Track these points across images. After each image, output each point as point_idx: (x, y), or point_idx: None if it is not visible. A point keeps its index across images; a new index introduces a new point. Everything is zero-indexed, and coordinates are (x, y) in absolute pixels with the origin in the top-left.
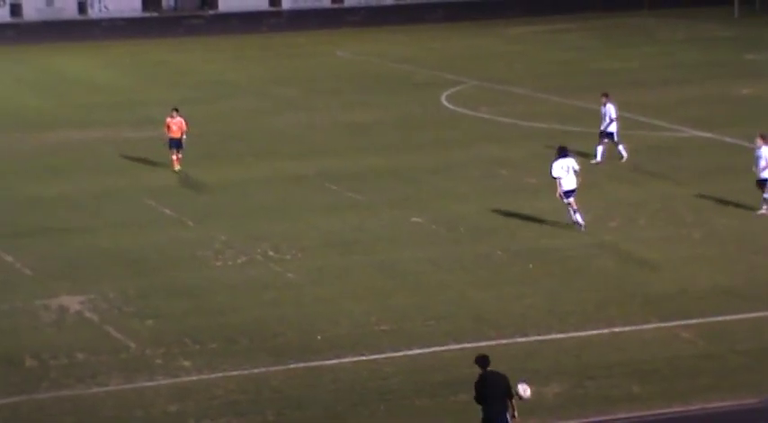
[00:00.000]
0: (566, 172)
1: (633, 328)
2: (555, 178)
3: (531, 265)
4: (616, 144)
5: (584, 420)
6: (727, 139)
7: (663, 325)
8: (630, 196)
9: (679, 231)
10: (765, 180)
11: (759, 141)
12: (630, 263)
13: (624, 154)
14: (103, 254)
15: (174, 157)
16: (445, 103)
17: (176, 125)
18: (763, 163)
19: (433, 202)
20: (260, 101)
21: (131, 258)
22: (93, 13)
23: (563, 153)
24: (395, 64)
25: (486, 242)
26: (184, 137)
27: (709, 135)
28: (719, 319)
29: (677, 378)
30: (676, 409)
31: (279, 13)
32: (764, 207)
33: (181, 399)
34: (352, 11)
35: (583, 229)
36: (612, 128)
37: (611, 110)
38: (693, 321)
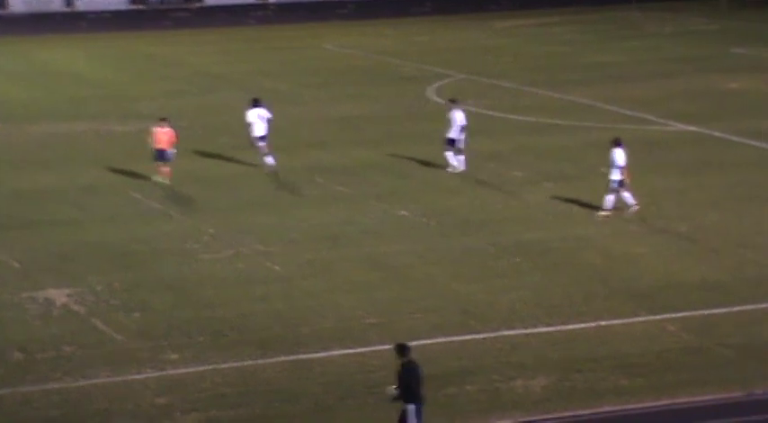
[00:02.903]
0: (258, 119)
1: (620, 321)
2: (248, 123)
3: (518, 259)
4: (457, 152)
5: (571, 413)
6: (715, 133)
7: (650, 318)
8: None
9: (666, 225)
10: (615, 181)
11: (612, 145)
12: (617, 256)
13: (461, 167)
14: (90, 247)
15: (160, 168)
16: (433, 96)
17: (166, 135)
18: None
19: (420, 196)
20: (247, 94)
21: (118, 251)
22: (80, 5)
23: (256, 103)
24: (382, 57)
25: (474, 235)
26: (172, 150)
27: (695, 129)
28: (706, 312)
29: (664, 371)
30: (663, 402)
31: (266, 6)
32: (606, 209)
33: (168, 392)
34: (339, 4)
35: (273, 169)
36: (461, 135)
37: (458, 117)
38: (680, 315)
